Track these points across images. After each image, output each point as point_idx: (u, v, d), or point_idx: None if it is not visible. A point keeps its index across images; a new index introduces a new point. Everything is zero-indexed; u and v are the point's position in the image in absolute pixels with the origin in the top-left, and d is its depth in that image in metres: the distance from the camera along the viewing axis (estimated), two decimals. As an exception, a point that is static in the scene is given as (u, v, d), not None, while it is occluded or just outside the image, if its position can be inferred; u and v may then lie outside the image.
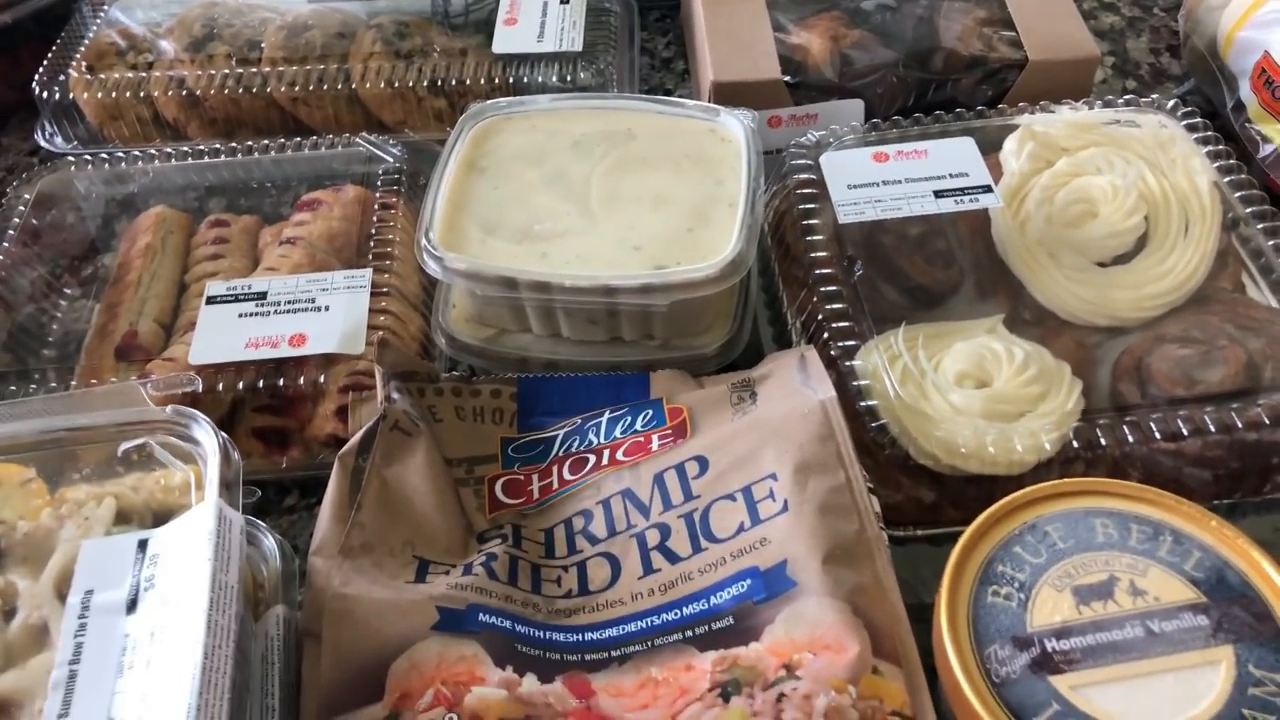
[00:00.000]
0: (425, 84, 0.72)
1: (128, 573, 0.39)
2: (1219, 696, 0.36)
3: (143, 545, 0.40)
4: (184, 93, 0.74)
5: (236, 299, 0.57)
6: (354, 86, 0.72)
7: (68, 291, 0.69)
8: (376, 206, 0.65)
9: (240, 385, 0.55)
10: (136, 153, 0.71)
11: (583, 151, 0.61)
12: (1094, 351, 0.57)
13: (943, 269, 0.61)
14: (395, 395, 0.50)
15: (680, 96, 0.81)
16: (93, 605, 0.38)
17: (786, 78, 0.66)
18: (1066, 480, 0.44)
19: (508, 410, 0.54)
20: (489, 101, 0.63)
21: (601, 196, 0.58)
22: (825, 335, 0.55)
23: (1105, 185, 0.61)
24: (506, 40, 0.73)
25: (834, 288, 0.56)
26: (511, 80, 0.72)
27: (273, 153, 0.69)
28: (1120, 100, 0.64)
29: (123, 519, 0.42)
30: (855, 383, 0.52)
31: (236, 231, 0.68)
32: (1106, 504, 0.42)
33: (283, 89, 0.72)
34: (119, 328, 0.62)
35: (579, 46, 0.72)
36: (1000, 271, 0.60)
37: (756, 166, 0.59)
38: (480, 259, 0.55)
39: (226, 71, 0.73)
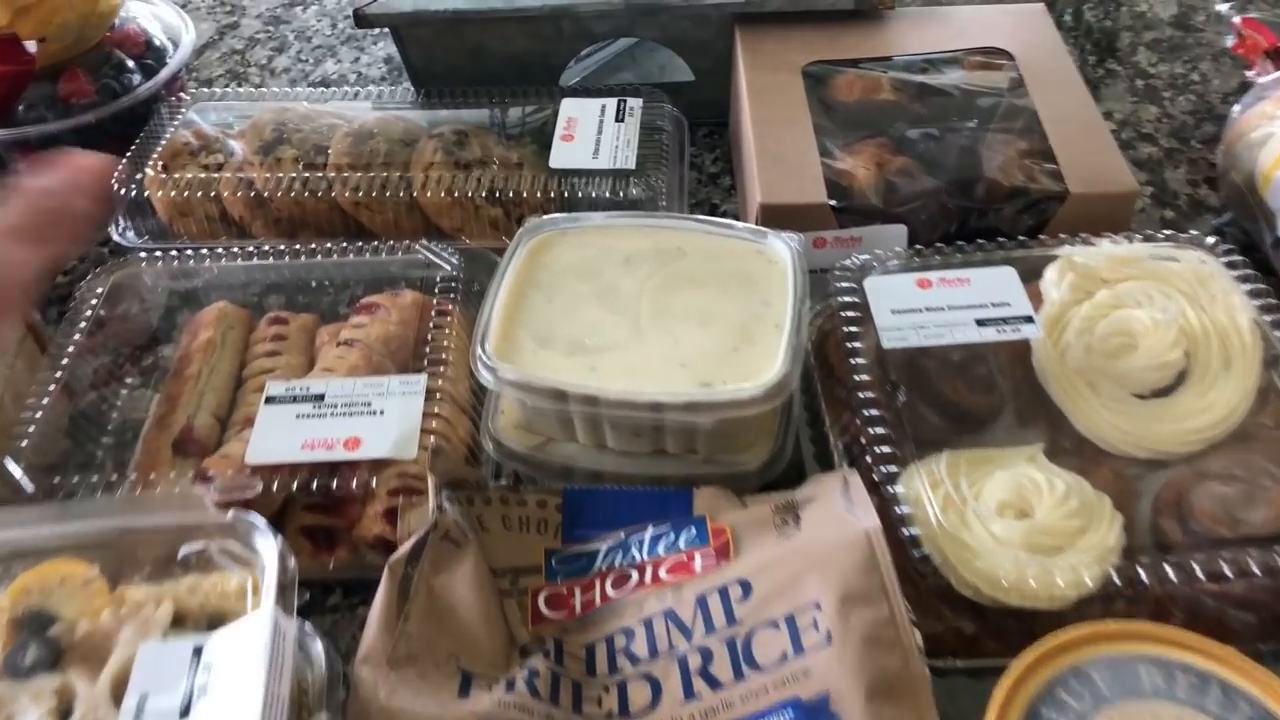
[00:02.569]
0: (483, 194, 0.74)
1: (182, 678, 0.40)
2: None
3: (198, 652, 0.41)
4: (251, 193, 0.77)
5: (295, 399, 0.59)
6: (415, 195, 0.75)
7: (128, 381, 0.72)
8: (433, 312, 0.68)
9: (295, 485, 0.56)
10: (203, 250, 0.74)
11: (633, 268, 0.63)
12: (1134, 484, 0.58)
13: (984, 395, 0.62)
14: (446, 505, 0.52)
15: (727, 212, 0.84)
16: (147, 710, 0.39)
17: (832, 202, 0.68)
18: (1110, 623, 0.44)
19: (553, 521, 0.55)
20: (545, 217, 0.66)
21: (650, 312, 0.60)
22: (868, 458, 0.56)
23: (1145, 319, 0.62)
24: (563, 155, 0.76)
25: (877, 411, 0.57)
26: (566, 194, 0.74)
27: (334, 256, 0.71)
28: (1160, 235, 0.65)
29: (178, 621, 0.43)
30: (898, 509, 0.53)
31: (294, 329, 0.70)
32: (1151, 649, 0.42)
33: (346, 194, 0.75)
34: (177, 420, 0.64)
35: (632, 164, 0.75)
36: (1040, 399, 0.61)
37: (802, 289, 0.60)
38: (532, 371, 0.57)
39: (294, 175, 0.77)
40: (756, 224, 0.69)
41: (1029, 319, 0.61)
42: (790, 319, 0.59)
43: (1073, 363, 0.61)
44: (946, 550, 0.51)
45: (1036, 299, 0.64)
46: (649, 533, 0.53)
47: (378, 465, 0.58)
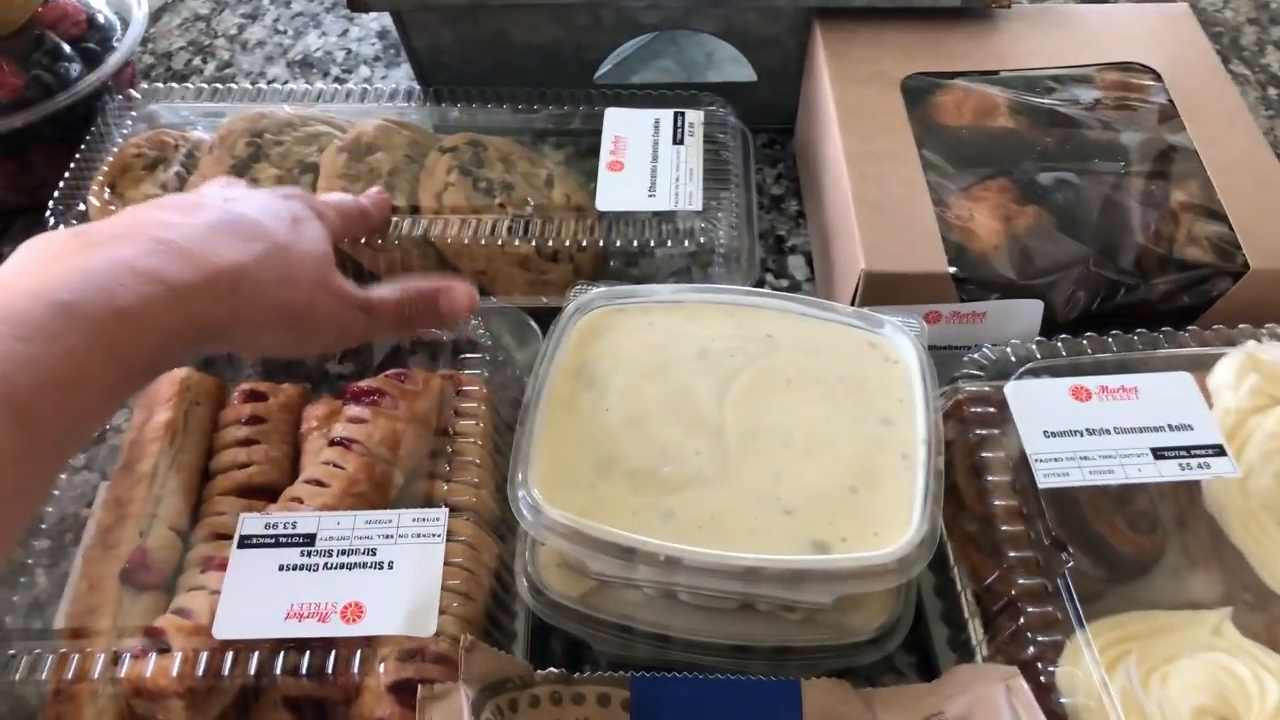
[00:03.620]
0: (515, 240, 0.60)
1: None
2: None
3: None
4: (221, 223, 0.62)
5: (276, 543, 0.46)
6: (430, 236, 0.60)
7: (70, 462, 0.57)
8: (455, 394, 0.54)
9: (278, 669, 0.43)
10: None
11: (712, 363, 0.49)
12: (1346, 663, 0.46)
13: (1147, 533, 0.49)
14: (486, 733, 0.39)
15: (796, 247, 0.70)
16: None
17: (953, 270, 0.54)
18: None
19: (618, 725, 0.42)
20: (595, 290, 0.52)
21: (739, 431, 0.47)
22: (1020, 632, 0.44)
23: (1355, 441, 0.49)
24: (612, 192, 0.61)
25: (1031, 579, 0.45)
26: (617, 241, 0.60)
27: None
28: (1369, 329, 0.52)
29: None
30: (1074, 731, 0.41)
31: (275, 409, 0.56)
32: None
33: (342, 230, 0.61)
34: (125, 538, 0.50)
35: (698, 204, 0.60)
36: (1211, 533, 0.49)
37: (935, 404, 0.47)
38: (591, 514, 0.44)
39: (273, 203, 0.61)
40: (855, 295, 0.55)
41: (1219, 450, 0.48)
42: (925, 451, 0.45)
43: (1258, 493, 0.49)
44: (1145, 797, 0.39)
45: (1205, 399, 0.52)
46: (750, 757, 0.40)
47: (385, 631, 0.44)
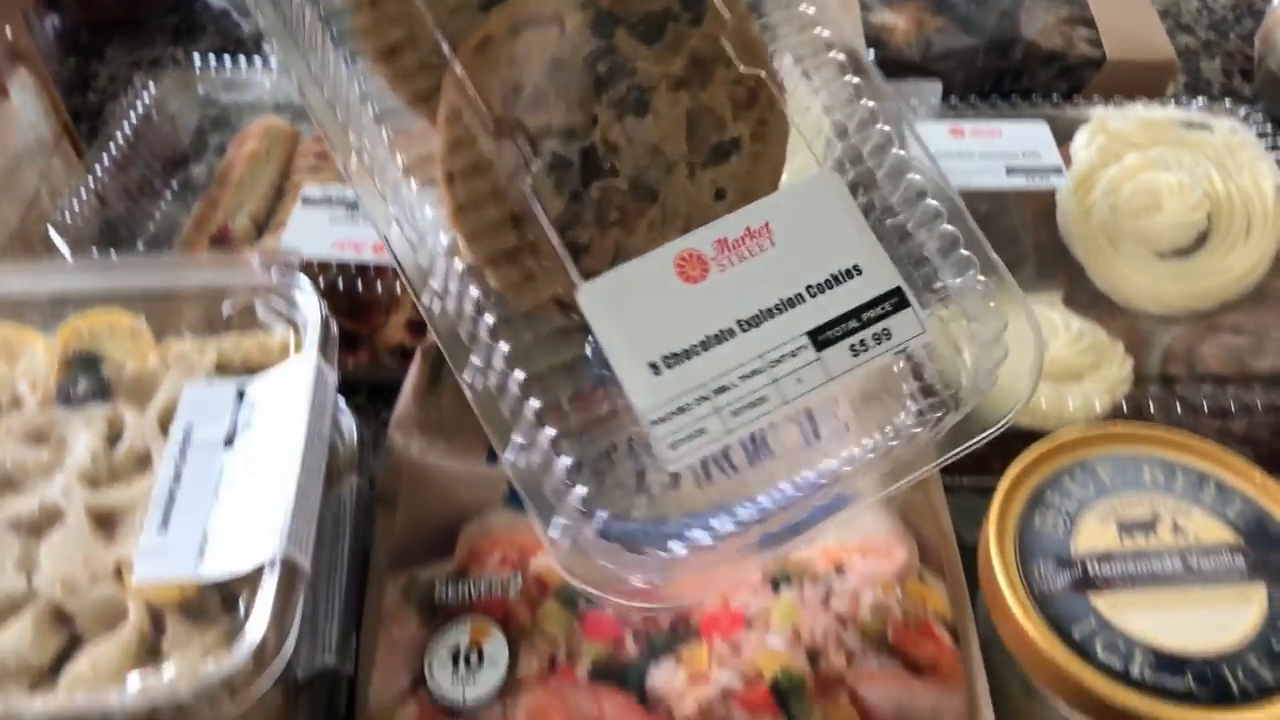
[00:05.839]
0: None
1: (226, 413, 0.42)
2: (1251, 628, 0.38)
3: (241, 393, 0.43)
4: None
5: (330, 203, 0.60)
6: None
7: (164, 200, 0.72)
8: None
9: (323, 281, 0.57)
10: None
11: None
12: (1147, 335, 0.59)
13: (1007, 246, 0.62)
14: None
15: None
16: (193, 439, 0.41)
17: (870, 51, 0.68)
18: (1118, 424, 0.46)
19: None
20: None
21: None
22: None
23: (1171, 181, 0.62)
24: None
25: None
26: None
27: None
28: (1194, 104, 0.66)
29: (220, 371, 0.45)
30: (916, 332, 0.54)
31: (336, 149, 0.71)
32: (1155, 451, 0.44)
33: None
34: (215, 220, 0.65)
35: None
36: (1061, 254, 0.62)
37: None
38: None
39: None
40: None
41: (1058, 170, 0.62)
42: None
43: (1096, 220, 0.62)
44: (961, 371, 0.53)
45: (1066, 161, 0.65)
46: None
47: (408, 272, 0.59)
